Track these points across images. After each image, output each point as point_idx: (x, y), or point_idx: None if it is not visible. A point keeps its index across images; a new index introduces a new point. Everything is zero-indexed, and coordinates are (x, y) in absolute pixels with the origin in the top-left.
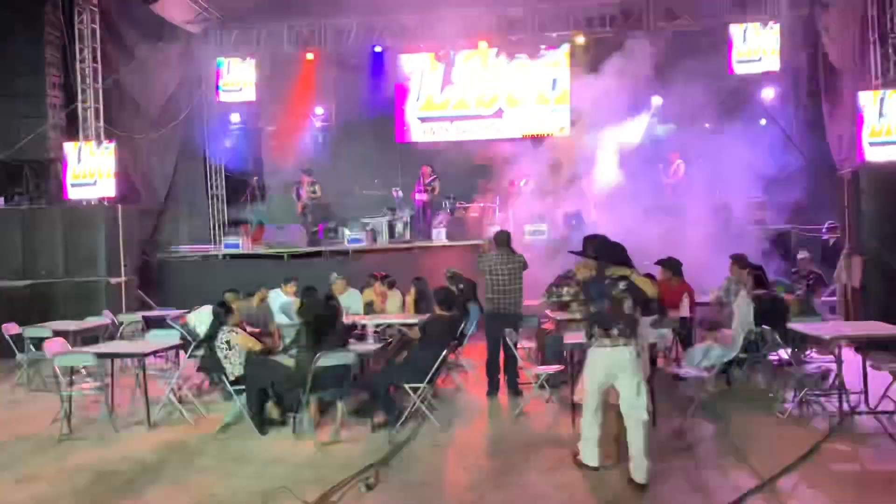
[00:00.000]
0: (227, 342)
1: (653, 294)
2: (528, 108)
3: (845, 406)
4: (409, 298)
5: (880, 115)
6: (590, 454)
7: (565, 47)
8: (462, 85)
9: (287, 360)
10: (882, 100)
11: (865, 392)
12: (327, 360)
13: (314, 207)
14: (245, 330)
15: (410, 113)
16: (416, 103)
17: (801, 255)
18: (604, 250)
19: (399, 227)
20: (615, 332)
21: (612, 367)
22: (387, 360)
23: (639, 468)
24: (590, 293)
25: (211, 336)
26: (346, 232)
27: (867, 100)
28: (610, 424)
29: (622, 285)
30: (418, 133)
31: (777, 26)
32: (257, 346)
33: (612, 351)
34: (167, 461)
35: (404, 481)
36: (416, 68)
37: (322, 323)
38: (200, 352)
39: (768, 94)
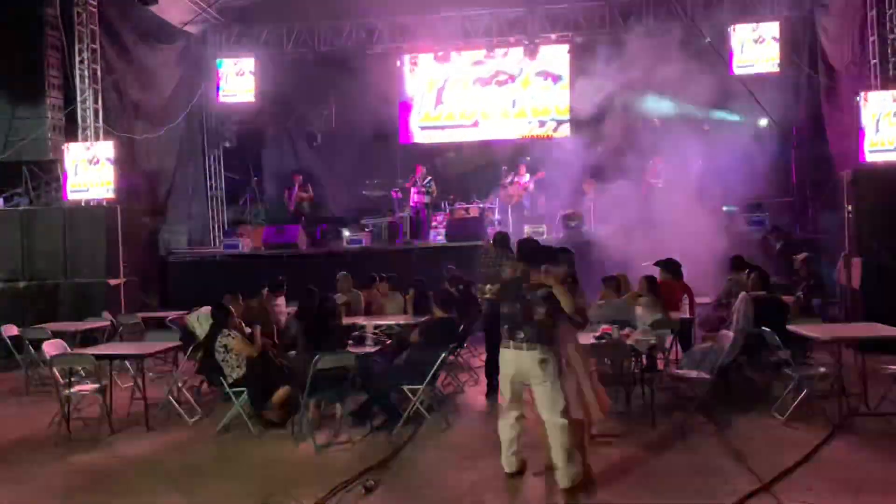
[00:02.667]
0: (225, 346)
1: (570, 309)
2: (494, 120)
3: (845, 408)
4: (409, 300)
5: (876, 131)
6: (505, 460)
7: (564, 48)
8: (449, 104)
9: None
10: (878, 120)
11: (865, 394)
12: (326, 361)
13: (307, 207)
14: (243, 332)
15: (413, 123)
16: (417, 116)
17: (800, 256)
18: (531, 254)
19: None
20: (520, 335)
21: (519, 369)
22: (386, 363)
23: (561, 474)
24: (507, 293)
25: (210, 339)
26: (345, 233)
27: (867, 119)
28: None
29: (540, 293)
30: (419, 137)
31: (775, 40)
32: (253, 352)
33: (516, 354)
34: (165, 463)
35: (403, 484)
36: (416, 93)
37: (319, 325)
38: (199, 353)
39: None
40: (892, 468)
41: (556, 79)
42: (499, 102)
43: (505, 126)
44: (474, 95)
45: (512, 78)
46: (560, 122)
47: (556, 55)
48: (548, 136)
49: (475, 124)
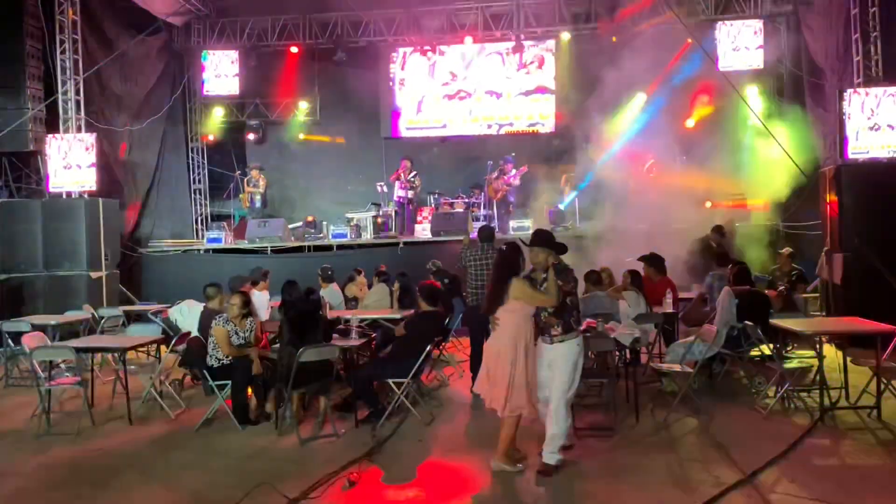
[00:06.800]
0: (210, 329)
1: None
2: (457, 124)
3: (826, 401)
4: (394, 293)
5: (856, 139)
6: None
7: (550, 43)
8: (426, 112)
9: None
10: (858, 132)
11: (846, 387)
12: (309, 354)
13: (263, 201)
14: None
15: (402, 126)
16: (404, 121)
17: (784, 250)
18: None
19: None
20: None
21: None
22: (371, 355)
23: None
24: None
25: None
26: (330, 227)
27: (850, 131)
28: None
29: None
30: (405, 134)
31: (748, 49)
32: (226, 349)
33: None
34: (147, 456)
35: (387, 476)
36: (403, 105)
37: (303, 318)
38: (182, 346)
39: (752, 91)
40: (871, 460)
41: (499, 95)
42: (460, 112)
43: (464, 128)
44: (443, 107)
45: (469, 94)
46: (501, 125)
47: (541, 50)
48: (534, 131)
49: (444, 126)
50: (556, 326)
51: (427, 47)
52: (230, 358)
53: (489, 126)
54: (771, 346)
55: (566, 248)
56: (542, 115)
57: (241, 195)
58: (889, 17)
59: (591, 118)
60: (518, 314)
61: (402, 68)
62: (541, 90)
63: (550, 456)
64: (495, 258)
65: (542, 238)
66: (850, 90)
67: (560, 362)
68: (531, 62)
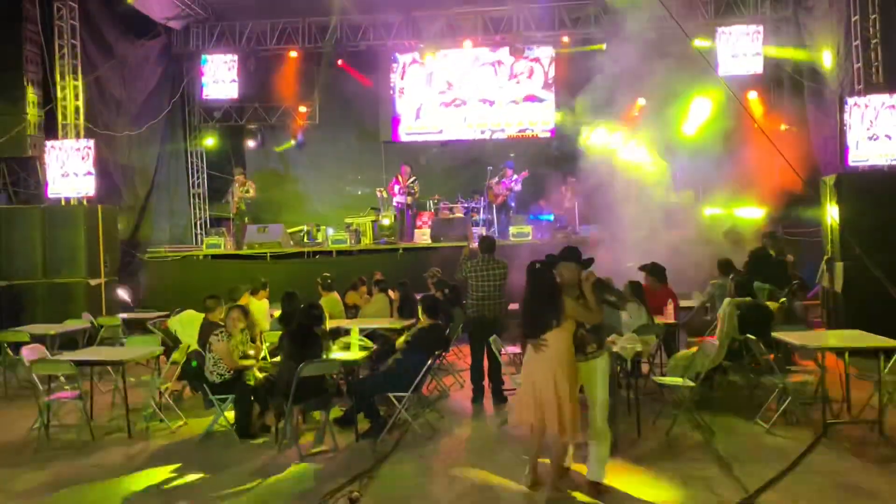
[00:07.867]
0: (210, 343)
1: None
2: (452, 130)
3: (828, 415)
4: (394, 302)
5: (856, 147)
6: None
7: (545, 50)
8: (424, 119)
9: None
10: (857, 142)
11: (848, 401)
12: (310, 369)
13: (250, 207)
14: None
15: (402, 131)
16: (404, 128)
17: (786, 258)
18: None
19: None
20: None
21: None
22: (371, 369)
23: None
24: None
25: (202, 335)
26: (329, 231)
27: (851, 141)
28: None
29: None
30: (404, 139)
31: (746, 56)
32: (228, 363)
33: None
34: (147, 470)
35: (388, 493)
36: (403, 112)
37: (304, 331)
38: (182, 358)
39: (752, 96)
40: (875, 476)
41: (491, 103)
42: (455, 118)
43: (459, 133)
44: (440, 114)
45: (464, 102)
46: (494, 131)
47: (532, 61)
48: (532, 135)
49: (441, 132)
50: (592, 343)
51: (427, 51)
52: (231, 371)
53: (482, 132)
54: (773, 357)
55: (593, 260)
56: (531, 122)
57: (228, 199)
58: (889, 23)
59: (591, 122)
60: (566, 332)
61: (402, 77)
62: (530, 98)
63: (598, 473)
64: (528, 280)
65: (571, 254)
66: (850, 100)
67: (599, 377)
68: (521, 72)
